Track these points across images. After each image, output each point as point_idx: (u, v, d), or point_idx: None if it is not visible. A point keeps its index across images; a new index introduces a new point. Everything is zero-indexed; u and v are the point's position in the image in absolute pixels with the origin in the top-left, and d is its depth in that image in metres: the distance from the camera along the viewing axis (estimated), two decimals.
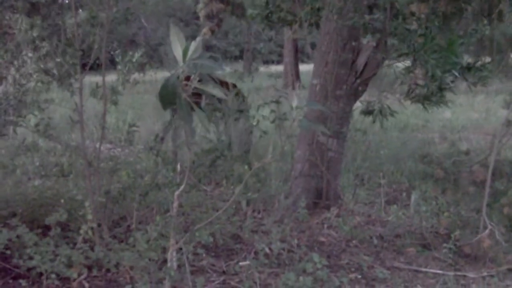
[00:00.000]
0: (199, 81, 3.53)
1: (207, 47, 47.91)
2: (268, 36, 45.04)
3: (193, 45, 3.44)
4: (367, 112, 7.01)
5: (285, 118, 4.20)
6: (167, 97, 3.36)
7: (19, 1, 6.83)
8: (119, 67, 5.48)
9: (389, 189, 8.18)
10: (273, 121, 4.34)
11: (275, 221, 6.34)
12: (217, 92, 3.50)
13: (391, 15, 6.28)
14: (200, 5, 29.76)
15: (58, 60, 5.82)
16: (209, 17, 29.10)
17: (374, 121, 7.02)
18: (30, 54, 6.48)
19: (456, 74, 6.04)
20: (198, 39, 3.47)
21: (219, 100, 4.01)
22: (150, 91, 20.48)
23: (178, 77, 3.41)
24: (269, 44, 49.10)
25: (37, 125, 5.48)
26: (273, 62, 47.13)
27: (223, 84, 3.74)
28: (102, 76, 5.18)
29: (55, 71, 6.05)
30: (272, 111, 4.33)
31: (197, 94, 3.60)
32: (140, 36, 39.37)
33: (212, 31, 29.82)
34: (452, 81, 6.34)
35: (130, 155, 9.34)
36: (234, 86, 8.92)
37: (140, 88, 20.52)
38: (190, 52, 3.43)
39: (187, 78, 3.52)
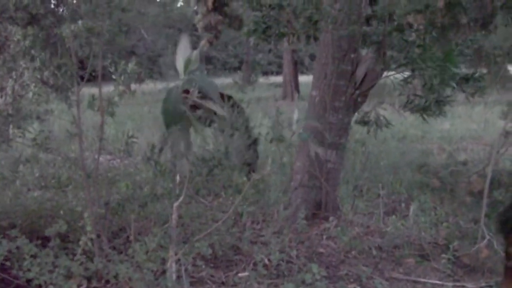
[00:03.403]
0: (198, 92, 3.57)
1: (206, 59, 48.05)
2: (267, 48, 45.17)
3: (191, 57, 3.46)
4: (363, 122, 7.03)
5: (282, 140, 4.24)
6: (171, 113, 3.38)
7: (18, 12, 6.86)
8: (114, 77, 5.50)
9: (388, 200, 8.18)
10: (271, 141, 4.38)
11: (274, 232, 6.35)
12: (217, 108, 3.53)
13: (389, 26, 6.31)
14: (199, 17, 29.83)
15: (53, 71, 5.85)
16: (208, 28, 29.15)
17: (368, 132, 7.05)
18: (24, 65, 6.50)
19: (454, 85, 6.07)
20: (195, 52, 3.50)
21: (215, 113, 4.04)
22: (150, 102, 20.54)
23: (178, 89, 3.44)
24: (268, 55, 49.20)
25: (34, 139, 5.50)
26: (272, 73, 47.20)
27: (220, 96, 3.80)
28: (99, 88, 5.19)
29: (52, 82, 6.07)
30: (272, 127, 4.36)
31: (194, 105, 3.63)
32: (139, 48, 39.49)
33: (210, 43, 29.88)
34: (448, 96, 6.37)
35: (129, 166, 9.35)
36: (230, 97, 8.94)
37: (139, 99, 20.58)
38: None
39: (186, 91, 3.55)
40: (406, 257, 6.06)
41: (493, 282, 5.43)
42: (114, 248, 5.49)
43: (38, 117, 7.10)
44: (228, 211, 5.47)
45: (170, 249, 4.67)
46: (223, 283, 5.24)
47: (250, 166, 8.80)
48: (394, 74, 6.79)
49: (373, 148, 10.89)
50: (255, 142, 9.01)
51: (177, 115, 3.44)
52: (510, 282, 4.44)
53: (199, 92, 3.57)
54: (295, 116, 4.07)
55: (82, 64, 5.55)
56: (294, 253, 5.84)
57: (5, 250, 4.65)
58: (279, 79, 36.32)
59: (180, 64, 3.51)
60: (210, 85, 3.53)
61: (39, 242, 4.95)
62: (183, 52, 3.51)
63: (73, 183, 7.91)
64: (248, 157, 8.83)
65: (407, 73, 6.61)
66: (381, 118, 6.96)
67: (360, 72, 6.79)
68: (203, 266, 5.23)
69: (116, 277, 4.82)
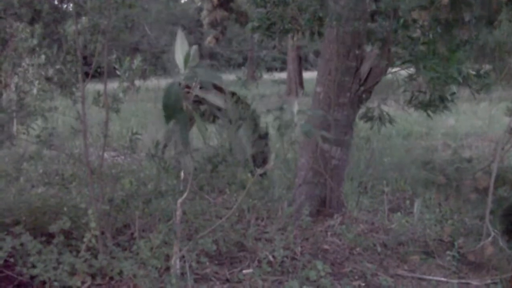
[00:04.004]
0: (200, 88, 3.56)
1: (211, 55, 48.06)
2: (271, 44, 45.17)
3: (190, 53, 3.46)
4: (366, 118, 7.02)
5: (289, 125, 4.22)
6: (171, 108, 3.36)
7: (22, 8, 6.87)
8: (118, 73, 5.50)
9: (393, 196, 8.17)
10: (278, 129, 4.37)
11: (279, 228, 6.34)
12: (219, 100, 3.52)
13: (394, 22, 6.29)
14: (204, 13, 29.83)
15: (58, 67, 5.85)
16: (213, 24, 29.16)
17: (372, 127, 7.04)
18: (28, 62, 6.51)
19: (459, 81, 6.04)
20: (194, 47, 3.49)
21: (219, 108, 4.03)
22: (154, 99, 20.52)
23: (179, 84, 3.42)
24: (273, 51, 49.15)
25: (38, 135, 5.50)
26: (276, 69, 47.17)
27: (221, 91, 3.77)
28: (104, 84, 5.19)
29: (56, 79, 6.07)
30: (276, 118, 4.36)
31: (198, 101, 3.62)
32: (143, 44, 39.50)
33: (217, 39, 29.88)
34: (453, 93, 6.34)
35: (133, 163, 9.34)
36: (233, 93, 8.90)
37: (143, 95, 20.56)
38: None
39: (187, 87, 3.54)
40: (411, 254, 6.04)
41: (498, 279, 5.41)
42: (118, 245, 5.49)
43: (42, 114, 7.10)
44: (232, 207, 5.46)
45: (174, 246, 4.66)
46: (227, 279, 5.23)
47: (263, 160, 8.74)
48: (398, 70, 6.77)
49: (377, 144, 10.88)
50: (265, 136, 8.95)
51: (176, 110, 3.42)
52: None
53: (201, 88, 3.55)
54: (295, 108, 4.06)
55: (86, 60, 5.55)
56: (298, 250, 5.84)
57: (9, 247, 4.64)
58: (283, 75, 36.30)
59: (180, 59, 3.50)
60: (213, 77, 3.51)
61: (43, 238, 4.95)
62: (181, 47, 3.49)
63: (77, 180, 7.91)
64: (258, 151, 8.79)
65: (411, 70, 6.58)
66: (385, 114, 6.94)
67: (364, 69, 6.77)
68: (207, 263, 5.23)
69: (120, 274, 4.82)
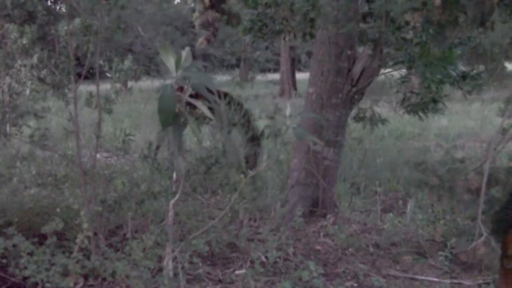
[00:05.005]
0: (192, 95, 3.56)
1: (204, 56, 47.98)
2: (264, 45, 45.27)
3: (183, 55, 3.45)
4: (358, 118, 7.03)
5: (280, 134, 4.24)
6: (166, 113, 3.35)
7: (15, 10, 6.87)
8: (109, 75, 5.54)
9: (385, 197, 8.19)
10: (268, 137, 4.38)
11: (271, 229, 6.35)
12: (206, 110, 3.51)
13: (387, 23, 6.30)
14: (196, 14, 29.77)
15: (50, 68, 5.85)
16: (205, 25, 29.10)
17: (364, 128, 7.05)
18: (20, 62, 6.50)
19: (452, 83, 6.06)
20: (187, 49, 3.49)
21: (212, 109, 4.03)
22: (147, 100, 20.51)
23: (171, 87, 3.42)
24: (266, 52, 49.17)
25: (32, 136, 5.49)
26: (269, 70, 47.23)
27: (214, 93, 3.75)
28: (96, 85, 5.19)
29: (49, 80, 6.08)
30: (267, 126, 4.36)
31: (191, 103, 3.61)
32: (137, 45, 39.47)
33: (208, 40, 29.83)
34: (446, 95, 6.35)
35: (126, 163, 9.33)
36: (226, 95, 8.88)
37: (137, 96, 20.54)
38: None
39: (180, 89, 3.53)
40: (403, 255, 6.06)
41: (490, 279, 5.43)
42: (111, 245, 5.49)
43: (35, 114, 7.10)
44: (225, 208, 5.47)
45: (167, 247, 4.66)
46: (220, 280, 5.24)
47: (254, 161, 8.74)
48: (391, 71, 6.78)
49: (370, 145, 10.89)
50: (258, 136, 8.95)
51: (173, 114, 3.42)
52: (508, 283, 4.43)
53: (193, 90, 3.55)
54: (288, 111, 4.08)
55: (78, 61, 5.55)
56: (291, 250, 5.84)
57: (1, 248, 4.64)
58: (276, 76, 36.37)
59: (170, 62, 3.49)
60: (206, 80, 3.50)
61: (36, 240, 4.94)
62: (168, 53, 3.49)
63: (70, 181, 7.90)
64: (251, 152, 8.79)
65: (404, 70, 6.60)
66: (376, 115, 6.95)
67: (356, 69, 6.78)
68: (200, 264, 5.23)
69: (113, 274, 4.81)
